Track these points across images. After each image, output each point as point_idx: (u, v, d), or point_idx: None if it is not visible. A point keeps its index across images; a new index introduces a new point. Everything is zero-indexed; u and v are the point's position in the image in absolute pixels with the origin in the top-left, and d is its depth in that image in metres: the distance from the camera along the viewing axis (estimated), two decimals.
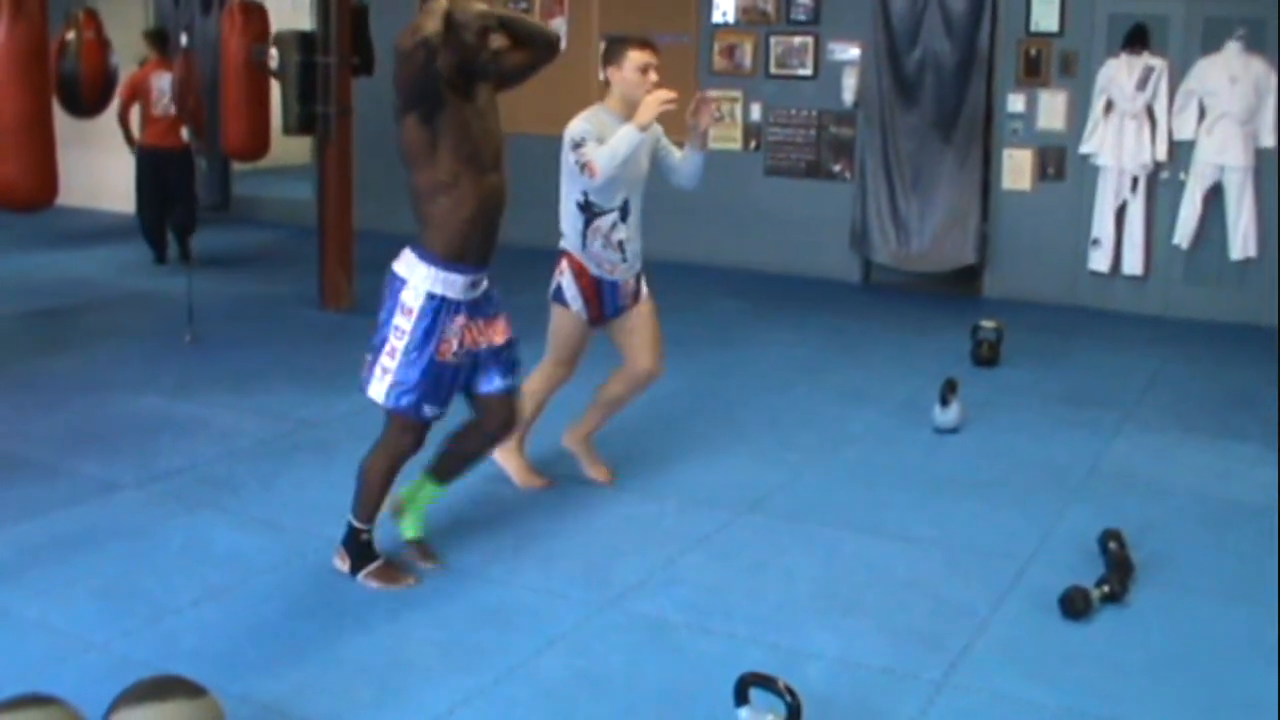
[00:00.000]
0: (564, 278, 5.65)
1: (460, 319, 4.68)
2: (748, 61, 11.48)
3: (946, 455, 6.63)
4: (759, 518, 5.70)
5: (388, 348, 4.67)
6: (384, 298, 4.72)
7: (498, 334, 4.86)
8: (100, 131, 12.02)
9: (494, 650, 4.39)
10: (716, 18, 11.57)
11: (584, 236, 5.57)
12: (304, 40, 9.39)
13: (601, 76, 5.63)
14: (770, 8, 11.33)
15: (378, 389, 4.72)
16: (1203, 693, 4.22)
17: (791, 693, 3.62)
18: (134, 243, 11.68)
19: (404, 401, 4.69)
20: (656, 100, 5.24)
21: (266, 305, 9.99)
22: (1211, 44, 9.75)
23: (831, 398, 7.64)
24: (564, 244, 5.66)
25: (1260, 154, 9.69)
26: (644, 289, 5.86)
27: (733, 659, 4.14)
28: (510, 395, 4.96)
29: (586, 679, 4.26)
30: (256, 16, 10.34)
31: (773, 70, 11.39)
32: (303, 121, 9.42)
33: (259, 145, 10.65)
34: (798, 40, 11.28)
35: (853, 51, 11.06)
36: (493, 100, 4.77)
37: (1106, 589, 4.80)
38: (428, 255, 4.63)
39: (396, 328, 4.65)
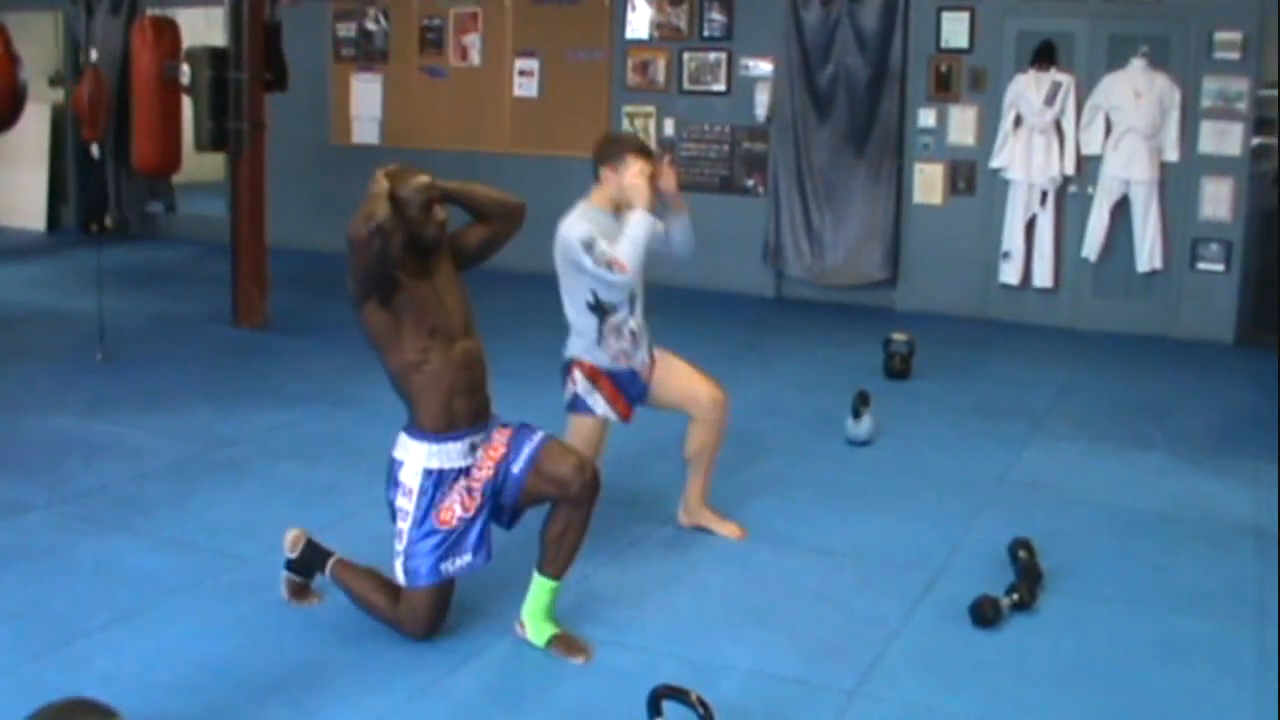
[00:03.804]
0: (579, 387, 5.39)
1: (460, 484, 4.50)
2: (661, 77, 11.55)
3: (859, 467, 6.70)
4: (672, 531, 5.73)
5: (397, 532, 4.50)
6: (386, 483, 4.57)
7: (495, 451, 4.55)
8: (7, 148, 11.88)
9: (407, 668, 4.38)
10: (630, 33, 11.64)
11: (600, 336, 5.37)
12: (216, 56, 9.35)
13: (596, 174, 5.29)
14: (684, 24, 11.41)
15: (399, 575, 4.52)
16: (1110, 698, 4.30)
17: (704, 704, 3.65)
18: (44, 259, 11.51)
19: (420, 579, 4.49)
20: (639, 176, 5.15)
21: (179, 323, 9.90)
22: (1117, 61, 9.95)
23: (745, 411, 7.64)
24: (571, 352, 5.42)
25: (1165, 168, 9.90)
26: (654, 351, 5.68)
27: (646, 673, 4.15)
28: (552, 446, 4.59)
29: (499, 695, 4.27)
30: (168, 32, 10.24)
31: (686, 86, 11.48)
32: (215, 137, 9.38)
33: (171, 161, 10.53)
34: (711, 56, 11.36)
35: (765, 67, 11.17)
36: (451, 269, 4.56)
37: (1016, 597, 4.88)
38: (419, 433, 4.47)
39: (400, 510, 4.49)
